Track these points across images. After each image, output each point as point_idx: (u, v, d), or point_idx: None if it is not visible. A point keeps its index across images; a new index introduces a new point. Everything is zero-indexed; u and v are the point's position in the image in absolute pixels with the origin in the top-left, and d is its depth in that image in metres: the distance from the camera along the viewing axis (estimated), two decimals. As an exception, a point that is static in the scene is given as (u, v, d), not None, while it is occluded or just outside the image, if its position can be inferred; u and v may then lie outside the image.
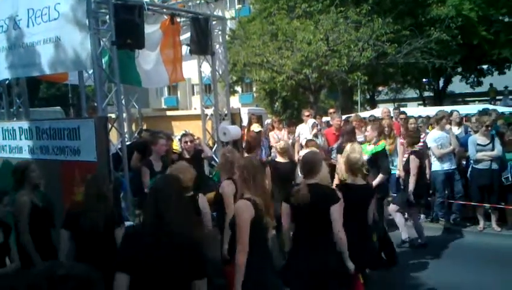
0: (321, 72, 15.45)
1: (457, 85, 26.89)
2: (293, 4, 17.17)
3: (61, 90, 30.45)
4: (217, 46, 8.13)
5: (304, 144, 8.59)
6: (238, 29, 18.72)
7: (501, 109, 14.13)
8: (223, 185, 4.47)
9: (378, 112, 13.85)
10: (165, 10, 7.67)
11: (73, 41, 5.56)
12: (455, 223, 7.67)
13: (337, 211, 3.59)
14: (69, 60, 5.68)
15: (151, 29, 7.25)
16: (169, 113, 12.47)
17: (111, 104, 6.59)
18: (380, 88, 27.74)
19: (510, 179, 7.04)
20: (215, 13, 8.37)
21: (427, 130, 8.66)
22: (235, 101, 25.32)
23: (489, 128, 7.21)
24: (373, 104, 26.15)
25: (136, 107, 9.37)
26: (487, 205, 7.26)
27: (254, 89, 28.95)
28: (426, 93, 28.57)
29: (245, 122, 10.84)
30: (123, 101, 7.59)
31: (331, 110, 10.65)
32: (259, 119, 13.49)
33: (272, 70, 16.22)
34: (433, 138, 7.76)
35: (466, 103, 24.34)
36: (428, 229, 7.00)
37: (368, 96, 27.72)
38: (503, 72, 24.55)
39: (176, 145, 7.08)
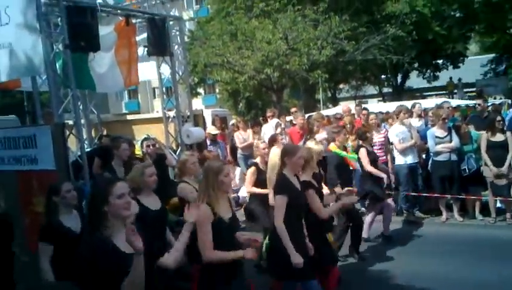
0: (282, 71, 15.54)
1: (415, 80, 27.75)
2: (251, 3, 17.19)
3: (16, 99, 29.20)
4: (176, 46, 8.00)
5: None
6: (197, 30, 18.57)
7: (457, 102, 14.66)
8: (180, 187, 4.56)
9: (340, 109, 14.07)
10: (119, 11, 7.45)
11: (25, 45, 5.36)
12: (419, 215, 7.86)
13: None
14: (22, 66, 5.46)
15: (105, 31, 7.03)
16: (129, 117, 12.19)
17: (69, 111, 6.37)
18: (341, 86, 28.19)
19: (467, 170, 7.27)
20: (171, 13, 8.23)
21: (386, 125, 8.83)
22: (198, 103, 25.10)
23: (446, 121, 7.42)
24: (335, 101, 26.53)
25: (95, 112, 9.09)
26: (449, 196, 7.46)
27: (217, 90, 28.83)
28: (385, 90, 29.27)
29: (209, 124, 10.73)
30: (81, 107, 7.34)
31: (293, 109, 10.71)
32: (224, 121, 13.44)
33: (234, 71, 16.19)
34: (394, 132, 7.92)
35: (424, 97, 25.11)
36: (393, 222, 7.13)
37: (330, 94, 28.10)
38: (458, 66, 25.52)
39: (138, 150, 6.91)
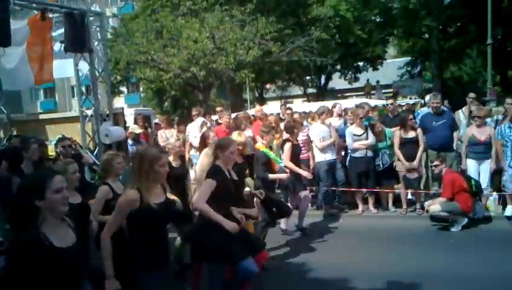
0: (209, 70, 15.45)
1: (337, 81, 28.95)
2: (178, 1, 16.93)
3: None
4: (96, 43, 7.67)
5: (193, 143, 8.57)
6: (120, 27, 17.94)
7: (376, 102, 15.46)
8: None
9: (266, 109, 14.30)
10: (34, 5, 7.00)
11: None
12: (337, 208, 8.22)
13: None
14: None
15: (18, 25, 6.58)
16: (43, 116, 11.48)
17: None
18: (268, 86, 28.68)
19: (382, 165, 7.69)
20: (92, 8, 7.88)
21: (308, 123, 9.10)
22: (120, 102, 24.27)
23: (363, 119, 7.80)
24: (262, 101, 26.95)
25: (4, 112, 8.46)
26: (365, 190, 7.85)
27: (141, 89, 28.05)
28: (310, 90, 30.24)
29: (130, 123, 10.40)
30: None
31: (219, 108, 10.68)
32: (147, 120, 13.10)
33: (158, 69, 15.84)
34: (315, 131, 8.18)
35: (345, 97, 26.25)
36: (313, 216, 7.36)
37: (257, 94, 28.50)
38: (377, 68, 26.99)
39: (52, 151, 6.53)
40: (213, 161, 4.04)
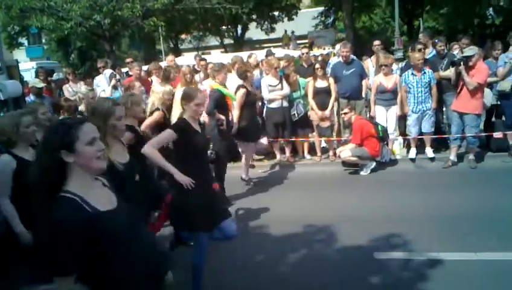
0: (114, 18, 14.33)
1: (254, 32, 28.60)
2: None
3: None
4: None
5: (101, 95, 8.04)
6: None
7: (292, 52, 15.51)
8: None
9: (182, 60, 13.78)
10: None
11: None
12: (257, 159, 8.29)
13: None
14: None
15: None
16: None
17: None
18: (183, 36, 27.63)
19: (297, 115, 7.78)
20: None
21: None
22: (21, 55, 22.07)
23: (277, 70, 7.73)
24: (177, 52, 25.99)
25: None
26: (282, 140, 7.94)
27: (43, 40, 25.66)
28: (227, 41, 29.65)
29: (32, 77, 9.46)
30: None
31: (129, 60, 10.07)
32: (51, 74, 12.04)
33: (57, 17, 14.40)
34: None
35: (263, 48, 26.06)
36: (234, 168, 7.35)
37: (172, 45, 27.38)
38: (292, 19, 27.00)
39: None
40: (181, 114, 3.88)
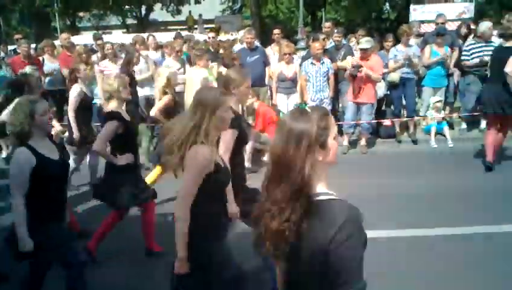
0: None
1: (159, 13, 27.66)
2: None
3: None
4: None
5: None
6: None
7: (198, 36, 15.25)
8: None
9: (80, 39, 12.89)
10: None
11: None
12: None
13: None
14: None
15: None
16: None
17: None
18: (81, 14, 25.82)
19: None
20: None
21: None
22: None
23: (180, 53, 7.55)
24: (75, 30, 24.25)
25: None
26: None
27: None
28: (130, 21, 28.32)
29: None
30: None
31: (17, 36, 9.18)
32: None
33: None
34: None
35: (168, 30, 25.33)
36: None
37: (69, 23, 25.46)
38: (199, 2, 26.52)
39: None
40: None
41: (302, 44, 13.69)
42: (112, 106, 4.04)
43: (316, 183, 1.55)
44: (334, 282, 1.47)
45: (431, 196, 5.48)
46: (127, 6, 24.48)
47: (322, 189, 1.57)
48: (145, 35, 9.25)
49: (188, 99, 4.95)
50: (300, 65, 7.74)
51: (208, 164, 2.39)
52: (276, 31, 8.93)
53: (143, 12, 26.20)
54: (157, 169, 5.26)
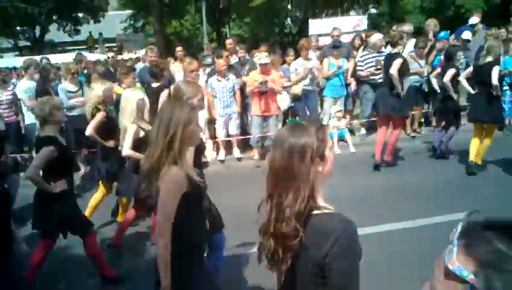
0: None
1: (56, 34, 26.18)
2: None
3: None
4: None
5: None
6: None
7: (98, 56, 14.68)
8: None
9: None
10: None
11: None
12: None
13: None
14: None
15: None
16: None
17: None
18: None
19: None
20: None
21: (16, 81, 7.89)
22: None
23: (76, 75, 7.15)
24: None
25: None
26: (85, 150, 7.34)
27: None
28: (23, 43, 26.41)
29: None
30: None
31: None
32: None
33: None
34: (23, 88, 7.21)
35: (66, 51, 24.06)
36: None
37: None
38: (99, 21, 25.57)
39: None
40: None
41: (209, 60, 13.75)
42: (47, 130, 3.82)
43: (317, 196, 1.60)
44: None
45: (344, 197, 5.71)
46: (18, 28, 22.80)
47: (321, 202, 1.62)
48: (38, 57, 8.67)
49: (124, 121, 4.71)
50: (206, 81, 7.72)
51: (181, 186, 2.35)
52: (178, 48, 8.88)
53: (37, 33, 24.57)
54: (100, 191, 5.33)
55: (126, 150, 4.55)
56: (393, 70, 6.40)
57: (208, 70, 8.96)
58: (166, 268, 2.34)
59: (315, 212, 1.57)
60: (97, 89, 5.18)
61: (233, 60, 8.56)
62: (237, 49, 8.53)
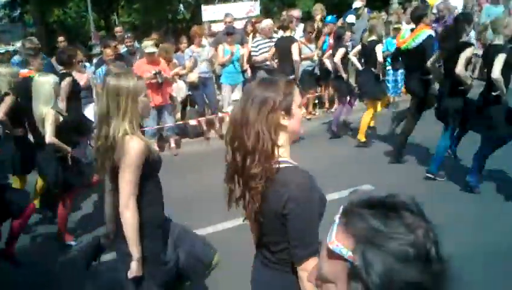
0: None
1: None
2: None
3: None
4: None
5: None
6: None
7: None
8: None
9: None
10: None
11: None
12: None
13: None
14: None
15: None
16: None
17: None
18: None
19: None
20: None
21: None
22: None
23: None
24: None
25: None
26: None
27: None
28: None
29: None
30: None
31: None
32: None
33: None
34: None
35: None
36: None
37: None
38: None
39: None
40: None
41: (97, 49, 12.94)
42: None
43: (279, 150, 1.64)
44: (290, 243, 1.63)
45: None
46: None
47: (284, 156, 1.67)
48: None
49: (37, 106, 4.24)
50: (94, 73, 7.24)
51: (143, 155, 2.37)
52: (60, 38, 8.20)
53: None
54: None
55: (49, 137, 4.21)
56: (295, 56, 6.62)
57: (95, 60, 8.44)
58: (135, 236, 2.35)
59: (280, 165, 1.63)
60: (3, 72, 4.70)
61: (123, 49, 8.12)
62: (125, 37, 8.10)
